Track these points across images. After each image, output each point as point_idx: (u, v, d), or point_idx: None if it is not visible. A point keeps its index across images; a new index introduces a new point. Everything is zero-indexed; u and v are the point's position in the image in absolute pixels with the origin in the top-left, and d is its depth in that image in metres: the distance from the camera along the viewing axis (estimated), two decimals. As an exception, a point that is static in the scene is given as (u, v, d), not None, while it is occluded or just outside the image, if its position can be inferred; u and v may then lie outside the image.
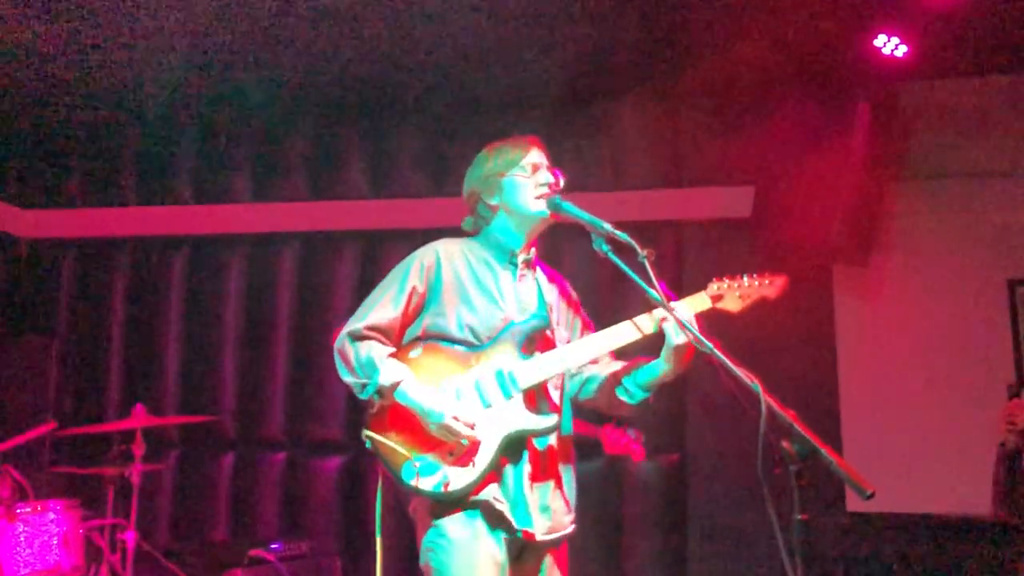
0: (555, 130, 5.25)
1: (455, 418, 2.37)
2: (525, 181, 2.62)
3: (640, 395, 2.60)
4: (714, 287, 2.57)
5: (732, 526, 5.05)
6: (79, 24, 4.51)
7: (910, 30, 4.37)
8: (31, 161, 5.98)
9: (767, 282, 2.57)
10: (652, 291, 2.29)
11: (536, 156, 2.67)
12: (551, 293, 2.72)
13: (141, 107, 5.59)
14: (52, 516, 4.00)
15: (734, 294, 2.55)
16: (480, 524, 2.40)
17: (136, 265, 5.90)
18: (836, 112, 4.89)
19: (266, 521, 5.46)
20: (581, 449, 4.78)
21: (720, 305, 2.55)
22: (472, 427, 2.39)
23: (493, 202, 2.65)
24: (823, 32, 4.56)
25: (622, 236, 2.36)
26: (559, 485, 2.55)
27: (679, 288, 2.60)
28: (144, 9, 4.39)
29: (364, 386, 2.44)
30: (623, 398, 2.61)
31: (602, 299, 5.33)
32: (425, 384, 2.44)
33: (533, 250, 2.69)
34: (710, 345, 2.11)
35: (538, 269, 2.74)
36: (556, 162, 2.71)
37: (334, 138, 5.82)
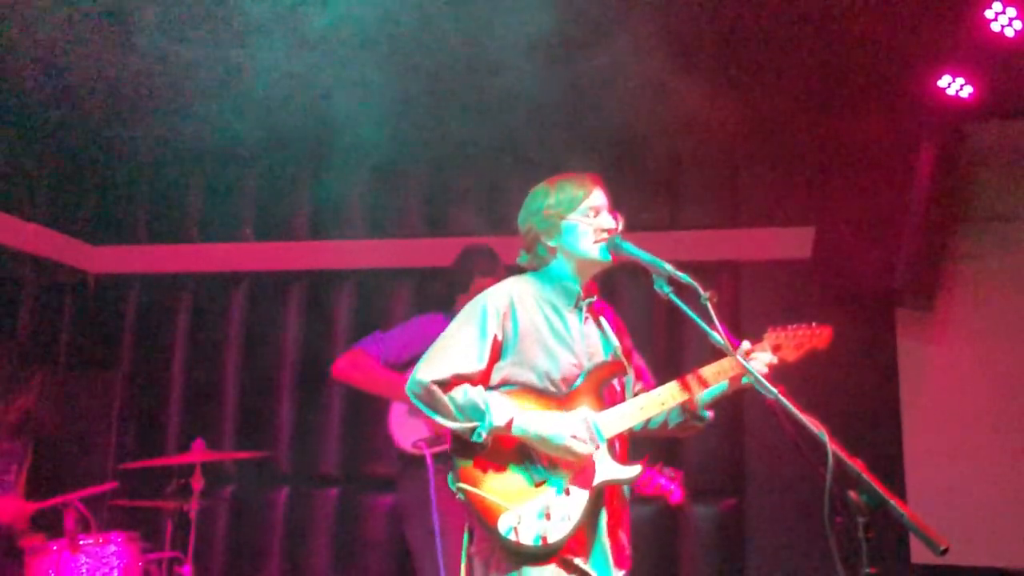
0: (613, 168, 5.23)
1: (574, 436, 2.35)
2: (586, 227, 2.57)
3: (706, 415, 2.68)
4: (772, 337, 2.58)
5: (793, 576, 4.91)
6: (150, 63, 4.64)
7: (975, 71, 4.30)
8: (101, 199, 6.15)
9: (818, 332, 2.59)
10: (714, 334, 2.25)
11: (598, 198, 2.62)
12: (616, 336, 2.69)
13: (205, 148, 5.75)
14: (113, 548, 4.05)
15: (790, 344, 2.57)
16: None
17: (198, 301, 6.01)
18: (899, 152, 4.80)
19: (319, 557, 5.46)
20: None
21: (779, 355, 2.57)
22: (587, 441, 2.36)
23: (552, 244, 2.61)
24: (886, 73, 4.51)
25: (683, 277, 2.33)
26: (627, 530, 2.58)
27: (736, 331, 2.55)
28: (210, 51, 4.51)
29: (473, 429, 2.37)
30: (694, 423, 2.68)
31: (658, 338, 5.30)
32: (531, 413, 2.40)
33: (595, 293, 2.68)
34: (775, 391, 2.06)
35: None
36: (613, 200, 2.68)
37: (390, 177, 5.90)
